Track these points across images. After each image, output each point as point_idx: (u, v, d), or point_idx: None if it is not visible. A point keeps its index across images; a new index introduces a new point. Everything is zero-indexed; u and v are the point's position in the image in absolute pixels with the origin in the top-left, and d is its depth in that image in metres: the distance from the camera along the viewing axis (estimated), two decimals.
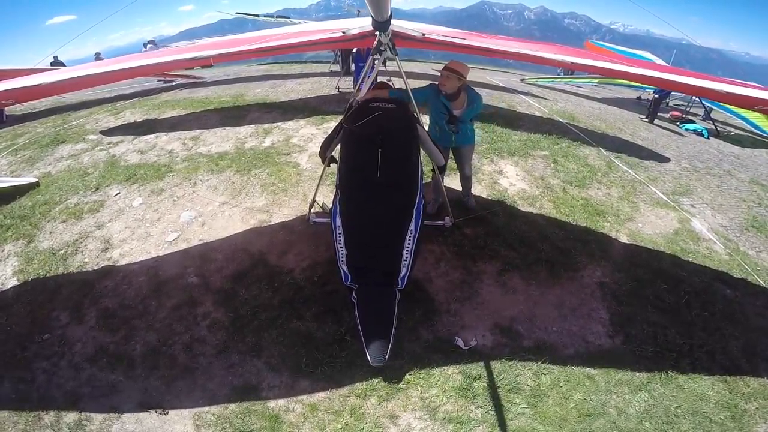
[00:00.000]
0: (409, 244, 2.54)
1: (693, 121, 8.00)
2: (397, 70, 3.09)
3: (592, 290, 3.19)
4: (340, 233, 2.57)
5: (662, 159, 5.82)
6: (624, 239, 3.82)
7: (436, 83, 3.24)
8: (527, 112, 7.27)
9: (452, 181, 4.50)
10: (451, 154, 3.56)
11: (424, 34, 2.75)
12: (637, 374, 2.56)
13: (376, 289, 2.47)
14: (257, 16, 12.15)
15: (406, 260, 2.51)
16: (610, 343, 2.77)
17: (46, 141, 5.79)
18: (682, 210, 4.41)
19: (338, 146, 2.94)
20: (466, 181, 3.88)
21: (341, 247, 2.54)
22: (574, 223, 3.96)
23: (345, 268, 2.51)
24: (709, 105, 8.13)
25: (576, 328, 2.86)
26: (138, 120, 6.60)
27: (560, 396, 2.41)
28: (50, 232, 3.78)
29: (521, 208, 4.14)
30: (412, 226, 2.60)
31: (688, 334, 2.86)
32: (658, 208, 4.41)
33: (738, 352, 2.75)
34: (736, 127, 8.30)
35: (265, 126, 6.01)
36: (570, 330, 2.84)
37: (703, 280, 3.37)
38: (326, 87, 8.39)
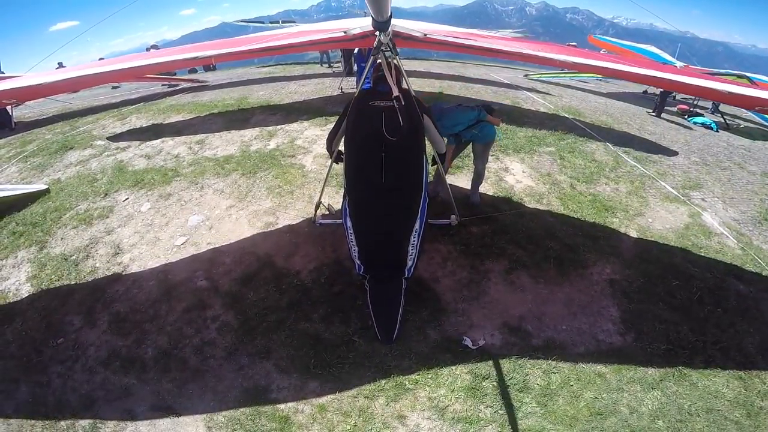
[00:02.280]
0: (414, 240, 2.75)
1: (701, 114, 7.87)
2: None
3: (601, 287, 3.15)
4: (351, 233, 2.79)
5: (671, 153, 5.73)
6: (633, 235, 3.78)
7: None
8: (532, 109, 7.21)
9: (457, 180, 4.49)
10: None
11: (425, 34, 2.74)
12: (649, 372, 2.53)
13: (387, 281, 2.74)
14: (262, 23, 12.17)
15: (411, 254, 2.76)
16: (621, 341, 2.74)
17: (54, 147, 5.89)
18: (692, 204, 4.34)
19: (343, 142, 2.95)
20: (477, 177, 3.99)
21: (353, 245, 2.78)
22: (583, 220, 3.92)
23: (357, 261, 2.78)
24: None
25: (586, 326, 2.83)
26: (144, 125, 6.68)
27: (571, 395, 2.39)
28: (61, 239, 3.84)
29: (528, 206, 4.11)
30: (417, 225, 2.76)
31: (701, 330, 2.82)
32: (668, 203, 4.34)
33: (753, 349, 2.71)
34: (745, 120, 8.15)
35: (270, 128, 6.04)
36: (580, 328, 2.82)
37: (716, 276, 3.32)
38: (329, 88, 8.41)
